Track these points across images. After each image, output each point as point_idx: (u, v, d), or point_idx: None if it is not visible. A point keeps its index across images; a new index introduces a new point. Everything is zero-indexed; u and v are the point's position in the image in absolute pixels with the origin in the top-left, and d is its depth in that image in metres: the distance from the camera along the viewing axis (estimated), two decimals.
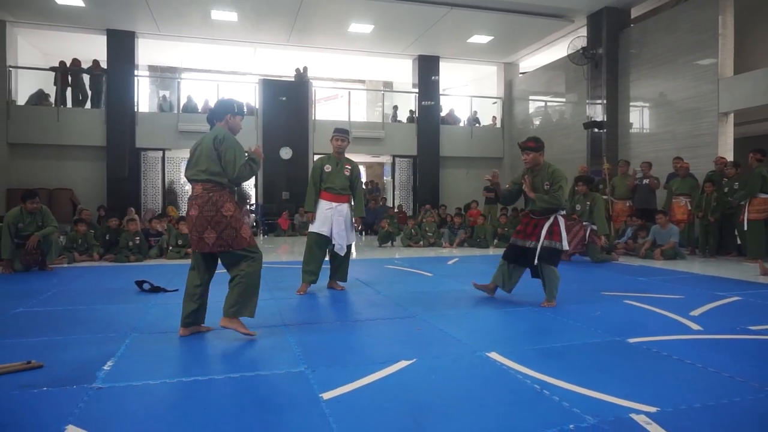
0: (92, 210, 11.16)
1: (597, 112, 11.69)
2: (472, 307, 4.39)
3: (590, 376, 2.62)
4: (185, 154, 14.23)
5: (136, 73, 13.21)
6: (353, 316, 4.19)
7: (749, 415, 2.19)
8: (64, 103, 12.74)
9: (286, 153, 13.33)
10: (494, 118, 16.42)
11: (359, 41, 13.72)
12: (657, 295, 4.84)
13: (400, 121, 15.89)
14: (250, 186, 14.57)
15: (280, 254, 8.81)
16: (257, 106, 13.65)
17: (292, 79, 14.09)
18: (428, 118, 14.95)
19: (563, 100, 13.55)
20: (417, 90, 15.04)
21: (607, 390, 2.42)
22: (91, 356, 2.95)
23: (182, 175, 14.58)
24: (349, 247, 5.17)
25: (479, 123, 16.31)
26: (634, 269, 6.73)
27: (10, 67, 12.29)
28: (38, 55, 14.25)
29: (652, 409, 2.20)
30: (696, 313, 4.08)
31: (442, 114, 15.64)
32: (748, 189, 7.05)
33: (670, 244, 7.63)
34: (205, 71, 17.02)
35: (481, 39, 13.55)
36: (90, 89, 13.05)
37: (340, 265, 5.21)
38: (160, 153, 13.49)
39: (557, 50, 13.96)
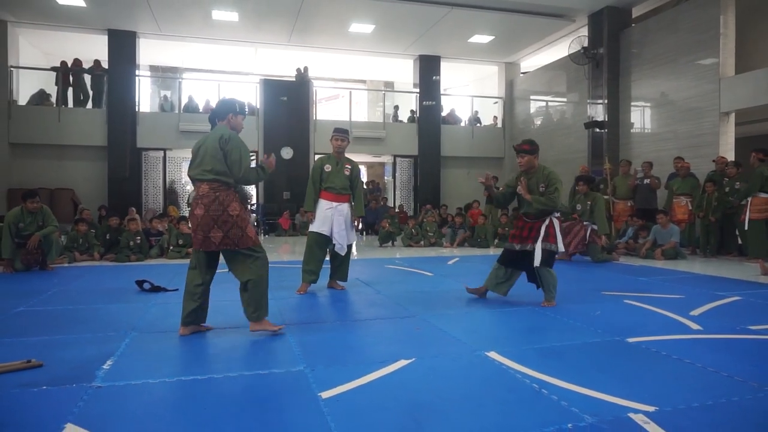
0: (93, 210, 11.18)
1: (598, 111, 11.68)
2: (472, 306, 4.39)
3: (589, 376, 2.62)
4: (186, 154, 14.27)
5: (137, 73, 13.23)
6: (353, 315, 4.19)
7: (748, 415, 2.19)
8: (66, 103, 12.76)
9: (287, 153, 13.34)
10: (495, 117, 16.42)
11: (360, 41, 13.72)
12: (657, 294, 4.83)
13: (401, 121, 15.89)
14: (250, 186, 14.57)
15: (281, 254, 8.81)
16: (258, 106, 13.66)
17: (293, 79, 14.10)
18: (429, 118, 14.95)
19: (564, 99, 13.54)
20: (418, 90, 15.04)
21: (606, 389, 2.42)
22: (91, 355, 2.95)
23: (184, 174, 14.61)
24: (349, 246, 5.18)
25: (480, 123, 16.30)
26: (635, 269, 6.72)
27: (12, 67, 12.32)
28: (39, 55, 14.27)
29: (651, 409, 2.20)
30: (696, 312, 4.08)
31: (443, 114, 15.64)
32: (748, 188, 7.04)
33: (670, 244, 7.62)
34: (206, 71, 17.03)
35: (482, 39, 13.54)
36: (91, 89, 13.07)
37: (341, 264, 5.21)
38: (161, 153, 13.51)
39: (558, 50, 13.95)
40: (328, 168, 5.09)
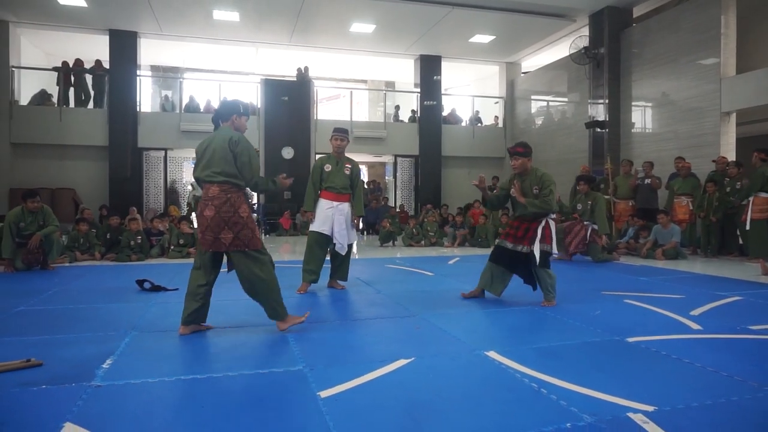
0: (94, 209, 11.19)
1: (599, 111, 11.67)
2: (472, 306, 4.39)
3: (588, 375, 2.62)
4: (187, 153, 14.31)
5: (138, 73, 13.24)
6: (353, 315, 4.20)
7: (747, 415, 2.18)
8: (67, 103, 12.78)
9: (287, 152, 13.34)
10: (496, 117, 16.41)
11: (361, 41, 13.72)
12: (657, 294, 4.83)
13: (401, 121, 15.88)
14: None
15: (282, 253, 8.81)
16: (259, 106, 13.67)
17: (294, 79, 14.10)
18: (430, 118, 14.95)
19: (565, 99, 13.53)
20: (419, 90, 15.03)
21: (605, 389, 2.42)
22: (91, 354, 2.96)
23: (185, 174, 14.64)
24: (350, 246, 5.18)
25: (481, 123, 16.29)
26: (636, 269, 6.71)
27: (13, 67, 12.33)
28: (41, 55, 14.30)
29: (650, 408, 2.20)
30: (696, 312, 4.07)
31: (444, 114, 15.64)
32: (748, 187, 7.02)
33: (671, 244, 7.61)
34: (207, 71, 17.05)
35: (483, 39, 13.54)
36: (92, 89, 13.09)
37: (341, 264, 5.21)
38: (162, 153, 13.52)
39: (559, 50, 13.95)
40: (328, 168, 5.09)
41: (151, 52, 14.15)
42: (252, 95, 14.07)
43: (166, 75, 16.38)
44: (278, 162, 13.12)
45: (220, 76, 16.77)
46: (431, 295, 4.86)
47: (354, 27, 12.66)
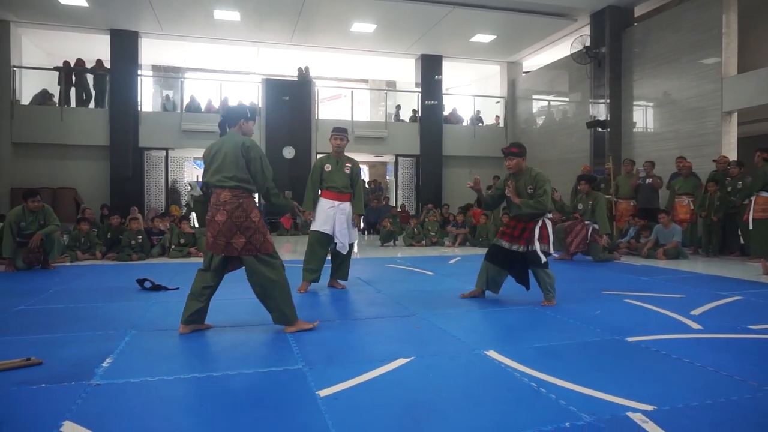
0: (95, 209, 11.20)
1: (600, 111, 11.65)
2: (472, 305, 4.39)
3: (588, 375, 2.62)
4: (188, 153, 14.33)
5: (139, 72, 13.24)
6: (353, 314, 4.20)
7: (747, 414, 2.18)
8: (68, 102, 12.78)
9: (288, 152, 13.34)
10: (497, 117, 16.39)
11: (362, 41, 13.72)
12: (658, 294, 4.82)
13: (403, 121, 15.87)
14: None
15: (283, 253, 8.75)
16: (260, 106, 13.67)
17: (295, 79, 14.10)
18: (431, 118, 14.94)
19: (566, 99, 13.51)
20: (420, 89, 15.02)
21: (605, 388, 2.41)
22: (91, 353, 2.96)
23: (186, 174, 14.65)
24: (351, 245, 5.18)
25: (482, 122, 16.28)
26: (636, 269, 6.71)
27: (14, 66, 12.34)
28: (42, 55, 14.31)
29: (649, 408, 2.20)
30: (697, 312, 4.07)
31: (445, 113, 15.62)
32: (749, 186, 7.01)
33: (672, 244, 7.60)
34: (208, 71, 17.05)
35: (484, 38, 13.52)
36: (94, 89, 13.08)
37: (342, 263, 5.21)
38: (163, 152, 13.52)
39: (560, 49, 13.92)
40: (328, 168, 5.09)
41: (152, 51, 14.15)
42: (253, 95, 14.07)
43: (167, 75, 16.39)
44: (279, 162, 13.13)
45: (221, 75, 16.77)
46: (431, 295, 4.86)
47: (355, 27, 12.65)
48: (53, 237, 6.56)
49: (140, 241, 7.74)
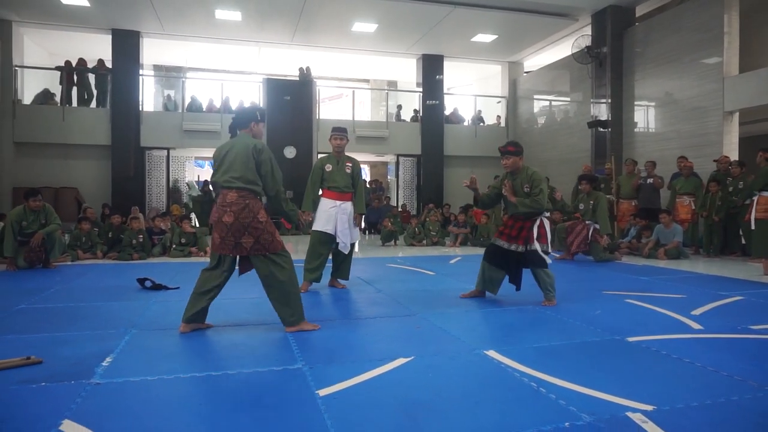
0: (97, 208, 11.21)
1: (601, 111, 11.64)
2: (472, 305, 4.38)
3: (588, 375, 2.61)
4: (189, 153, 14.33)
5: (140, 72, 13.25)
6: (353, 314, 4.20)
7: (747, 414, 2.17)
8: (70, 102, 12.80)
9: (290, 152, 13.34)
10: (498, 117, 16.38)
11: (363, 40, 13.71)
12: (659, 294, 4.81)
13: (404, 121, 15.87)
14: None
15: None
16: (261, 105, 13.67)
17: (297, 79, 14.10)
18: (432, 117, 14.93)
19: (567, 99, 13.49)
20: (421, 89, 15.01)
21: (604, 388, 2.41)
22: (90, 352, 2.96)
23: (187, 174, 14.65)
24: (352, 245, 5.18)
25: (483, 122, 16.27)
26: (637, 268, 6.70)
27: (16, 66, 12.36)
28: (44, 54, 14.32)
29: (649, 408, 2.19)
30: (697, 312, 4.06)
31: (446, 113, 15.62)
32: (750, 186, 6.99)
33: (673, 244, 7.59)
34: (210, 71, 17.04)
35: (485, 38, 13.51)
36: (95, 88, 13.10)
37: (342, 263, 5.22)
38: (165, 152, 13.52)
39: (561, 49, 13.90)
40: (329, 168, 5.10)
41: (153, 51, 14.15)
42: (254, 95, 14.06)
43: (169, 74, 16.40)
44: (280, 162, 13.03)
45: (222, 75, 16.76)
46: (432, 295, 4.86)
47: (356, 26, 12.65)
48: (54, 236, 6.57)
49: (141, 240, 7.74)
